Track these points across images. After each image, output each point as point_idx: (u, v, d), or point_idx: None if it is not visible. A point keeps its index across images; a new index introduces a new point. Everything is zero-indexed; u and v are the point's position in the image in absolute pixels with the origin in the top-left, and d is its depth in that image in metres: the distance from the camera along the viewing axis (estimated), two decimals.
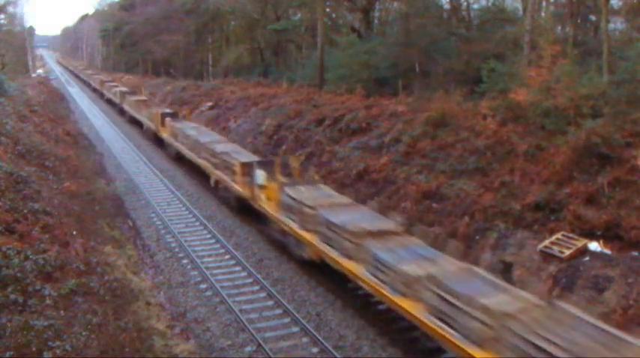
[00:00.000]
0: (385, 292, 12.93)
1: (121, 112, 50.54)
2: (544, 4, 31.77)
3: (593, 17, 30.18)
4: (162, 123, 34.71)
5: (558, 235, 14.87)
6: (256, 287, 16.41)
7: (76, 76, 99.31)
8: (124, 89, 54.38)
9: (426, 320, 11.69)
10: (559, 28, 30.97)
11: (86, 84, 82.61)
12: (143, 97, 48.67)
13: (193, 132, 29.47)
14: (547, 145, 18.04)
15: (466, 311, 10.84)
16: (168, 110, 38.81)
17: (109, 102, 58.02)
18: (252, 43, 53.98)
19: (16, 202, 15.56)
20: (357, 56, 31.97)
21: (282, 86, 39.91)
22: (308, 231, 16.62)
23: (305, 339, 13.65)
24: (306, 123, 28.67)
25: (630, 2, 25.21)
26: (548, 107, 18.93)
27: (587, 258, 13.93)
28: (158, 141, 35.98)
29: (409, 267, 12.53)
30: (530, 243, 15.28)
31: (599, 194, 15.38)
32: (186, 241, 19.75)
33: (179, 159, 31.42)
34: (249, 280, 16.89)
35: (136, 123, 44.06)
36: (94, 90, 71.62)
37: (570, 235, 14.73)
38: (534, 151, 18.16)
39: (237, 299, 15.57)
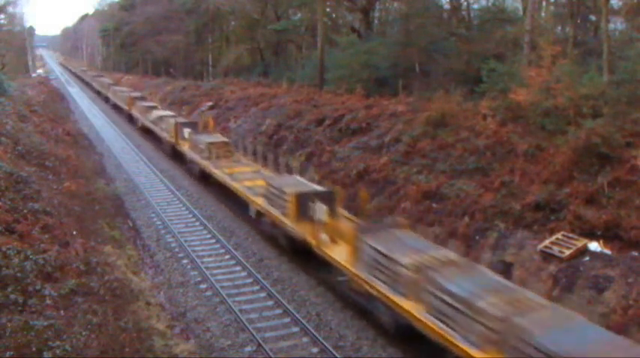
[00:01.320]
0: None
1: (176, 155, 31.19)
2: (544, 4, 31.79)
3: (593, 17, 30.15)
4: (313, 216, 16.60)
5: (558, 235, 14.87)
6: (256, 287, 16.40)
7: (87, 85, 76.02)
8: (175, 116, 34.53)
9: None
10: (559, 28, 30.98)
11: (101, 96, 62.02)
12: (222, 137, 28.49)
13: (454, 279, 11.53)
14: (547, 145, 18.04)
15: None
16: (313, 185, 19.38)
17: (145, 130, 39.36)
18: (252, 43, 53.97)
19: (16, 202, 15.57)
20: (357, 56, 31.98)
21: (282, 86, 39.91)
22: None
23: (305, 339, 13.64)
24: (306, 123, 28.67)
25: (630, 2, 25.19)
26: (548, 107, 18.93)
27: (587, 258, 13.93)
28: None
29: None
30: (530, 243, 15.27)
31: (599, 194, 15.37)
32: (186, 241, 19.74)
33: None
34: (249, 280, 16.88)
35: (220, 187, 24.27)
36: (116, 108, 52.33)
37: (570, 235, 14.72)
38: (534, 151, 18.17)
39: (237, 299, 15.57)
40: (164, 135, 33.17)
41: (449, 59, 29.40)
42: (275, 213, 18.31)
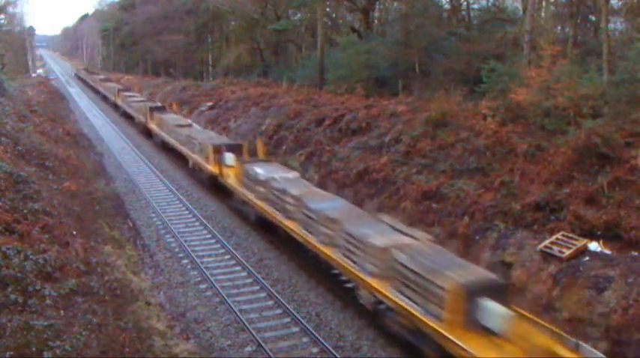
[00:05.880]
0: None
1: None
2: (544, 4, 31.73)
3: (593, 17, 30.15)
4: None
5: (558, 235, 14.86)
6: (256, 287, 16.41)
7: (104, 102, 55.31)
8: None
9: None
10: (559, 28, 30.99)
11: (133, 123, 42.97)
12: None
13: None
14: (547, 145, 18.03)
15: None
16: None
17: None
18: (252, 43, 53.95)
19: (16, 202, 15.58)
20: (357, 56, 31.97)
21: (282, 86, 39.90)
22: None
23: (305, 339, 13.65)
24: (306, 123, 28.66)
25: (630, 2, 25.20)
26: (548, 107, 18.93)
27: (587, 258, 13.92)
28: None
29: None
30: (530, 243, 15.26)
31: (599, 194, 15.37)
32: (186, 241, 19.74)
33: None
34: (249, 280, 16.88)
35: None
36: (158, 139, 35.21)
37: (570, 235, 14.72)
38: (534, 151, 18.16)
39: (237, 299, 15.57)
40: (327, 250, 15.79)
41: (449, 59, 29.38)
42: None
